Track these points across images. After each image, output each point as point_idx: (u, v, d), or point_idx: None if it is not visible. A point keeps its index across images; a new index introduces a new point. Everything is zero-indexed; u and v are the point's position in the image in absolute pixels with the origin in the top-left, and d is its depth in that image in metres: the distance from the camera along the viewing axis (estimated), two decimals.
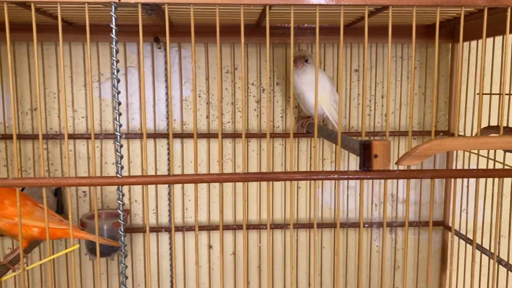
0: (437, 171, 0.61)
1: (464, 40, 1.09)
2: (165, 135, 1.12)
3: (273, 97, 1.15)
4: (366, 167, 0.59)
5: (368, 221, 1.19)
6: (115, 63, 0.55)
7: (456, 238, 1.15)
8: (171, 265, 1.16)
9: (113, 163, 1.12)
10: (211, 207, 1.16)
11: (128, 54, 1.10)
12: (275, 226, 1.16)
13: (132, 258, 1.16)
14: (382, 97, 1.16)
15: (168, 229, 1.14)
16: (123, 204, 0.58)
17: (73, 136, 1.10)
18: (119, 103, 0.56)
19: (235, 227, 1.15)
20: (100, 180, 0.57)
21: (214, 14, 0.91)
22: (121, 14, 0.86)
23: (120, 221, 0.59)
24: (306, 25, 1.08)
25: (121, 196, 0.58)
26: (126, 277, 0.62)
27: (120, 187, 0.58)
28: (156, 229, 1.14)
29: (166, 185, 1.14)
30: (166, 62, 1.10)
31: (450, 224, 1.16)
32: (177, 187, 1.15)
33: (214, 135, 1.13)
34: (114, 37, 0.55)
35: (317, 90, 0.63)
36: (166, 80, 1.11)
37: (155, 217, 1.15)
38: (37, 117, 1.10)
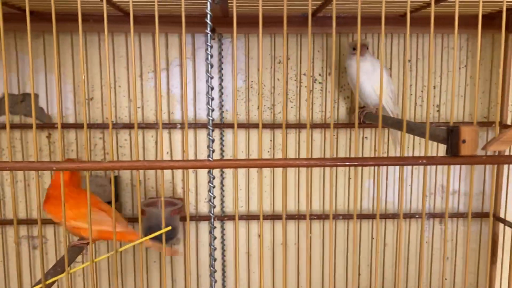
0: None
1: None
2: (217, 125, 1.13)
3: (326, 87, 1.15)
4: (454, 153, 0.59)
5: (419, 212, 1.19)
6: (209, 49, 0.56)
7: (509, 230, 1.14)
8: (223, 254, 1.17)
9: (167, 152, 1.14)
10: (273, 195, 1.17)
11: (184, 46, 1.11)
12: (324, 216, 1.17)
13: (184, 246, 1.18)
14: (434, 88, 1.16)
15: (220, 218, 1.16)
16: (214, 187, 0.60)
17: (128, 126, 1.11)
18: (212, 88, 0.57)
19: (286, 216, 1.16)
20: (192, 163, 0.58)
21: (270, 4, 0.92)
22: (176, 3, 0.87)
23: (211, 203, 0.60)
24: (361, 15, 1.08)
25: (212, 179, 0.59)
26: (215, 271, 0.63)
27: (211, 170, 0.59)
28: (208, 218, 1.16)
29: (219, 174, 1.15)
30: (220, 53, 1.11)
31: (502, 215, 1.16)
32: (228, 177, 1.16)
33: (266, 125, 1.14)
34: (209, 23, 0.56)
35: (382, 79, 0.63)
36: (220, 71, 1.12)
37: (207, 206, 1.17)
38: (93, 107, 1.12)
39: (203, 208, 1.17)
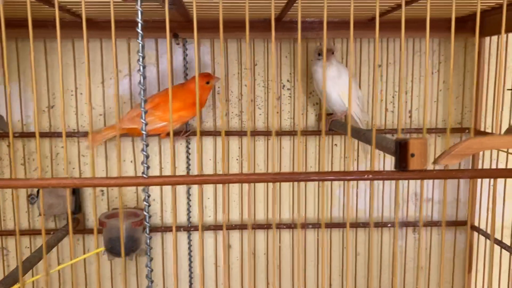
0: (476, 171, 0.59)
1: (491, 34, 1.06)
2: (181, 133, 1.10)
3: (294, 94, 1.12)
4: (403, 167, 0.56)
5: (391, 221, 1.16)
6: (141, 60, 0.53)
7: (482, 238, 1.11)
8: (190, 265, 1.14)
9: (131, 161, 1.11)
10: (230, 206, 1.14)
11: (146, 50, 1.08)
12: (305, 225, 1.13)
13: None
14: (406, 93, 1.13)
15: (187, 228, 1.12)
16: (149, 206, 0.57)
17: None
18: (145, 101, 0.54)
19: (254, 226, 1.13)
20: (126, 181, 0.55)
21: (235, 9, 0.89)
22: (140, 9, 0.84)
23: (146, 222, 0.57)
24: (328, 19, 1.06)
25: (147, 197, 0.56)
26: (152, 281, 0.60)
27: (147, 187, 0.56)
28: (175, 228, 1.12)
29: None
30: (184, 58, 1.08)
31: (476, 224, 1.13)
32: (194, 186, 1.13)
33: (233, 133, 1.11)
34: (140, 32, 0.53)
35: (351, 84, 0.61)
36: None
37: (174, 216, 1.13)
38: (54, 115, 1.09)
39: (170, 219, 1.14)
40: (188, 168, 1.12)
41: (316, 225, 1.13)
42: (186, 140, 1.11)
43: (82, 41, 1.07)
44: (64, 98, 1.08)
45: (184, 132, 1.08)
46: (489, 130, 1.12)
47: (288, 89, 1.12)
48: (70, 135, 1.08)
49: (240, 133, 1.11)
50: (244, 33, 1.06)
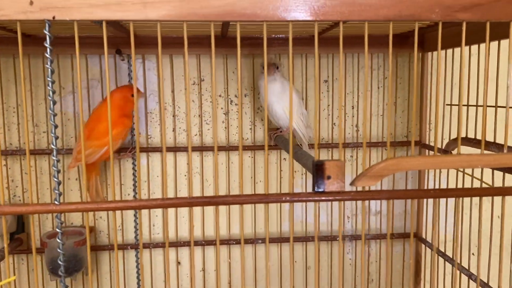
0: (393, 192, 0.59)
1: (434, 50, 1.07)
2: (128, 150, 1.08)
3: (241, 109, 1.12)
4: (320, 189, 0.56)
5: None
6: (50, 85, 0.52)
7: (429, 250, 1.12)
8: (138, 284, 1.12)
9: (76, 179, 1.08)
10: (178, 222, 1.12)
11: (90, 67, 1.06)
12: (245, 241, 1.13)
13: (98, 277, 1.12)
14: (353, 108, 1.14)
15: (134, 246, 1.10)
16: (62, 233, 0.55)
17: (34, 152, 1.06)
18: (56, 126, 0.53)
19: (204, 243, 1.12)
20: (36, 208, 0.53)
21: (178, 26, 0.89)
22: (80, 26, 0.83)
23: (59, 250, 0.55)
24: (273, 35, 1.06)
25: (59, 224, 0.54)
26: None
27: (59, 214, 0.54)
28: (123, 247, 1.10)
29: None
30: (129, 74, 1.07)
31: (424, 236, 1.14)
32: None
33: (181, 149, 1.10)
34: (49, 57, 0.51)
35: (291, 100, 0.60)
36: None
37: (121, 234, 1.11)
38: None
39: (117, 237, 1.12)
40: (134, 185, 1.10)
41: (265, 240, 1.13)
42: (132, 157, 1.09)
43: (24, 57, 1.05)
44: (4, 115, 1.06)
45: (131, 149, 1.06)
46: (433, 143, 1.13)
47: (236, 104, 1.11)
48: (12, 153, 1.05)
49: (192, 149, 1.09)
50: (191, 48, 1.06)
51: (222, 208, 1.12)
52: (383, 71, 1.14)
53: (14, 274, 1.09)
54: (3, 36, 0.96)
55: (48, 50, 0.51)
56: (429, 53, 1.09)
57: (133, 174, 1.10)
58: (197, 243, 1.11)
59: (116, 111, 0.96)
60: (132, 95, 0.97)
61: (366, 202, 1.17)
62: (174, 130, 1.10)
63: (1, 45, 0.98)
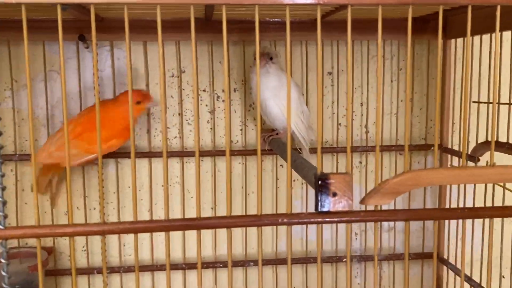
0: (411, 212, 0.57)
1: (457, 36, 1.06)
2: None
3: (230, 106, 1.09)
4: (324, 208, 0.54)
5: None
6: None
7: (452, 273, 1.11)
8: None
9: (23, 190, 1.06)
10: (154, 241, 1.10)
11: (49, 56, 1.04)
12: (234, 263, 1.11)
13: None
14: (362, 105, 1.12)
15: (102, 271, 1.08)
16: (8, 264, 0.52)
17: None
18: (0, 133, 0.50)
19: (184, 266, 1.09)
20: None
21: (151, 8, 0.86)
22: (31, 7, 0.81)
23: (4, 285, 0.53)
24: (268, 19, 1.04)
25: (4, 253, 0.51)
26: None
27: (4, 241, 0.52)
28: (88, 271, 1.08)
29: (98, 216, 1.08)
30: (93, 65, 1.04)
31: (445, 256, 1.12)
32: (113, 217, 1.09)
33: (157, 154, 1.07)
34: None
35: (289, 96, 0.58)
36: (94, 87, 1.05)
37: (86, 256, 1.09)
38: None
39: (80, 259, 1.09)
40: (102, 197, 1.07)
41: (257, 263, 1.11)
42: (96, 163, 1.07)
43: None
44: None
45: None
46: (456, 147, 1.12)
47: (223, 101, 1.09)
48: None
49: (170, 154, 1.07)
50: (168, 34, 1.03)
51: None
52: (397, 62, 1.12)
53: None
54: None
55: None
56: (452, 40, 1.07)
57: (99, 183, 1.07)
58: (176, 267, 1.09)
59: (124, 120, 0.94)
60: (138, 102, 0.95)
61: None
62: (148, 131, 1.08)
63: None
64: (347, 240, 0.59)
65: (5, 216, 0.50)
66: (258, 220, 0.55)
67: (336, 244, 1.14)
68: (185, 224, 0.54)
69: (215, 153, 1.08)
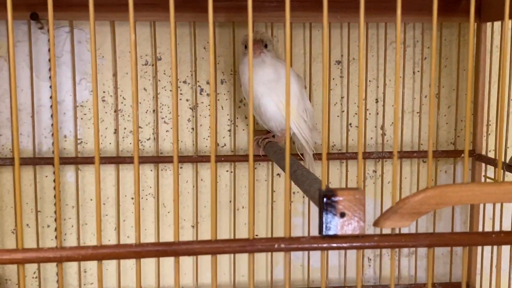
0: (437, 236, 0.58)
1: (494, 19, 1.07)
2: (50, 160, 1.06)
3: (217, 102, 1.10)
4: (329, 231, 0.54)
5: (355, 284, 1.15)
6: None
7: None
8: None
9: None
10: (122, 268, 1.11)
11: None
12: None
13: None
14: (377, 101, 1.13)
15: None
16: None
17: None
18: None
19: None
20: None
21: None
22: None
23: None
24: None
25: None
26: None
27: None
28: None
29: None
30: (49, 50, 1.05)
31: (477, 287, 1.14)
32: (71, 236, 1.09)
33: (127, 160, 1.08)
34: None
35: (288, 90, 0.59)
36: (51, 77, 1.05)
37: (37, 284, 1.10)
38: None
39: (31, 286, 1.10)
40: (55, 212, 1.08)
41: None
42: (53, 171, 1.07)
43: None
44: None
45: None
46: (492, 154, 1.13)
47: (207, 95, 1.10)
48: None
49: (142, 159, 1.08)
50: (142, 12, 1.04)
51: None
52: (421, 49, 1.13)
53: None
54: None
55: None
56: (488, 24, 1.09)
57: (55, 196, 1.08)
58: None
59: None
60: None
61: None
62: (116, 131, 1.09)
63: None
64: (358, 268, 0.59)
65: None
66: (250, 245, 0.55)
67: (344, 272, 1.15)
68: (160, 250, 0.54)
69: (197, 159, 1.09)
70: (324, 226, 0.55)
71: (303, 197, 1.14)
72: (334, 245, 0.56)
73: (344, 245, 0.55)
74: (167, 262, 1.11)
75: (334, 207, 0.54)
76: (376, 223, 0.56)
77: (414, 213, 0.55)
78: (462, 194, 0.55)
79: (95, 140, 0.54)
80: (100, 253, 0.53)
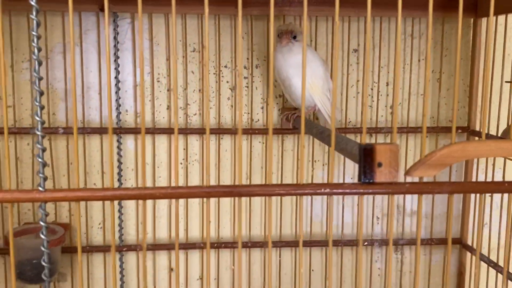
0: (457, 184, 0.57)
1: (488, 15, 1.05)
2: (115, 130, 1.06)
3: (252, 83, 1.10)
4: (367, 179, 0.54)
5: (368, 238, 1.15)
6: (35, 40, 0.50)
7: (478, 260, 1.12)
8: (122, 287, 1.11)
9: (70, 163, 1.07)
10: (172, 221, 1.11)
11: (67, 28, 1.04)
12: (253, 244, 1.11)
13: (72, 283, 1.10)
14: (387, 85, 1.12)
15: (118, 248, 1.09)
16: (47, 227, 0.53)
17: (14, 131, 1.04)
18: (41, 93, 0.51)
19: (202, 245, 1.10)
20: (17, 196, 0.51)
21: None
22: None
23: (44, 248, 0.54)
24: None
25: (44, 217, 0.52)
26: None
27: (43, 204, 0.52)
28: (103, 249, 1.09)
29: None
30: (115, 38, 1.04)
31: (469, 242, 1.13)
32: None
33: (178, 130, 1.07)
34: (35, 4, 0.49)
35: (304, 73, 0.59)
36: (116, 60, 1.05)
37: (102, 233, 1.10)
38: None
39: (97, 236, 1.10)
40: (119, 174, 1.08)
41: (278, 244, 1.12)
42: (117, 139, 1.07)
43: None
44: None
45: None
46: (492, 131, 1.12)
47: (245, 77, 1.09)
48: None
49: (186, 131, 1.08)
50: (191, 7, 1.03)
51: (225, 204, 1.11)
52: (426, 41, 1.12)
53: None
54: None
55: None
56: (484, 19, 1.07)
57: (118, 160, 1.08)
58: (194, 246, 1.10)
59: None
60: None
61: (401, 199, 1.16)
62: (168, 108, 1.08)
63: None
64: (390, 216, 0.59)
65: (45, 178, 0.51)
66: (300, 189, 0.55)
67: (357, 228, 1.15)
68: (224, 191, 0.54)
69: (235, 131, 1.09)
70: (362, 174, 0.55)
71: (323, 165, 1.14)
72: (370, 190, 0.55)
73: (381, 190, 0.55)
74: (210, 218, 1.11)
75: (372, 159, 0.54)
76: (407, 173, 0.56)
77: (440, 165, 0.55)
78: (481, 149, 0.55)
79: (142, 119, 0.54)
80: (177, 192, 0.53)
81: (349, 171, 1.13)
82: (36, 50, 0.50)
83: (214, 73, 1.08)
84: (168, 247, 1.10)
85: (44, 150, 0.51)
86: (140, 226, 1.11)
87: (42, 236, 0.53)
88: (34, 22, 0.50)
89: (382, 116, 1.13)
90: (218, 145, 1.10)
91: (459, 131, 1.13)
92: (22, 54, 1.04)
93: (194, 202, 1.11)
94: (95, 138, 1.07)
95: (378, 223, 1.17)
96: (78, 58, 1.04)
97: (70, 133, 1.04)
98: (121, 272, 1.11)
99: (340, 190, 0.55)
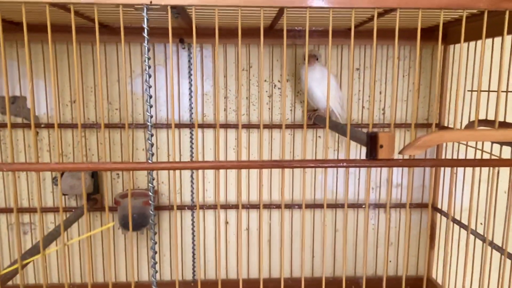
0: (438, 160, 0.58)
1: (455, 42, 1.05)
2: (188, 125, 1.09)
3: (284, 92, 1.11)
4: (373, 156, 0.55)
5: (365, 202, 1.15)
6: (147, 60, 0.52)
7: (445, 219, 1.11)
8: (193, 239, 1.14)
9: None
10: (228, 188, 1.13)
11: (156, 54, 1.07)
12: (284, 206, 1.13)
13: (159, 232, 1.14)
14: (380, 93, 1.12)
15: (190, 207, 1.12)
16: (154, 187, 0.56)
17: (108, 126, 1.07)
18: (150, 96, 0.54)
19: (248, 206, 1.13)
20: (133, 165, 0.54)
21: (232, 18, 0.88)
22: (150, 17, 0.83)
23: (150, 202, 0.57)
24: (313, 28, 1.05)
25: (151, 179, 0.55)
26: (156, 252, 0.59)
27: (151, 171, 0.55)
28: (180, 207, 1.12)
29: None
30: (189, 61, 1.07)
31: (439, 206, 1.13)
32: (199, 171, 1.12)
33: (231, 126, 1.10)
34: (146, 36, 0.52)
35: (329, 85, 0.60)
36: (189, 77, 1.08)
37: (180, 197, 1.13)
38: (75, 109, 1.08)
39: (177, 198, 1.13)
40: (191, 155, 1.11)
41: (301, 206, 1.13)
42: (190, 132, 1.10)
43: (101, 45, 1.06)
44: (83, 94, 1.07)
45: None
46: (451, 126, 1.11)
47: (279, 88, 1.11)
48: (89, 126, 1.07)
49: (237, 126, 1.10)
50: (242, 39, 1.05)
51: (264, 177, 1.13)
52: (408, 62, 1.11)
53: (90, 230, 1.12)
54: (84, 26, 0.97)
55: (145, 30, 0.51)
56: (451, 46, 1.06)
57: (191, 146, 1.11)
58: (243, 206, 1.12)
59: None
60: None
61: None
62: (225, 110, 1.11)
63: (82, 33, 0.99)
64: (389, 185, 0.60)
65: (152, 154, 0.54)
66: (326, 163, 0.57)
67: (358, 195, 1.16)
68: (273, 164, 0.56)
69: (272, 126, 1.10)
70: (369, 153, 0.56)
71: (334, 150, 1.14)
72: (374, 164, 0.57)
73: (382, 164, 0.56)
74: (253, 186, 1.12)
75: (376, 142, 0.55)
76: (400, 152, 0.57)
77: (424, 146, 0.56)
78: (454, 136, 0.56)
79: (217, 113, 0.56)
80: (241, 164, 0.55)
81: (352, 154, 1.14)
82: (147, 68, 0.53)
83: (256, 85, 1.10)
84: (225, 206, 1.13)
85: (152, 135, 0.54)
86: (205, 192, 1.14)
87: (150, 194, 0.56)
88: (146, 48, 0.53)
89: (376, 115, 1.13)
90: (260, 136, 1.12)
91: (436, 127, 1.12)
92: (131, 71, 1.07)
93: (253, 173, 1.13)
94: (184, 131, 1.10)
95: (373, 192, 1.17)
96: (164, 76, 1.07)
97: (157, 127, 1.08)
98: (192, 224, 1.14)
99: (353, 164, 0.57)
